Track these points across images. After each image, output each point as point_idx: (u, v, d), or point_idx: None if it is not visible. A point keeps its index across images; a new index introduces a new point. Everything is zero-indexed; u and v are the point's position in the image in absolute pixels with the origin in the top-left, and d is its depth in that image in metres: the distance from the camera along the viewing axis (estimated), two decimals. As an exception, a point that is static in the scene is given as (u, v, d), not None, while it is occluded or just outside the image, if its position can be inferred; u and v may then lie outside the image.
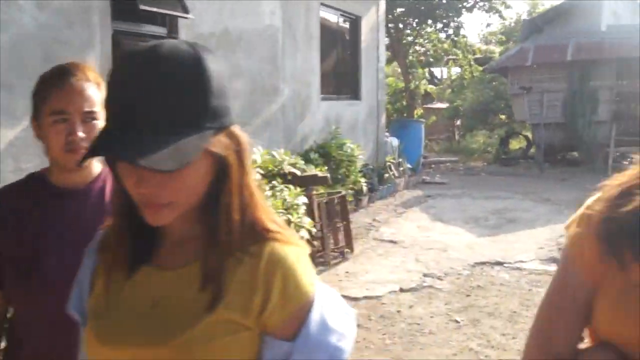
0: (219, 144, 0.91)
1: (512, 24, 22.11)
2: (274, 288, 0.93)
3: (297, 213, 4.25)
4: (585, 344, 1.08)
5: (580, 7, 13.29)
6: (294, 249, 0.97)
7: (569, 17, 13.58)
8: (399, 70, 16.86)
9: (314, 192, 5.87)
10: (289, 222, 4.15)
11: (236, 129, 0.95)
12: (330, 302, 0.98)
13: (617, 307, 0.98)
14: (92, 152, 0.89)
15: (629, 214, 0.97)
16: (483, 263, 5.94)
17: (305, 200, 4.48)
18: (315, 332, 0.93)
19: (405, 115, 15.08)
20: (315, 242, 5.88)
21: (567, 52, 12.65)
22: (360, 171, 8.13)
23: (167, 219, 0.92)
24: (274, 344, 0.94)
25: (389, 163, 10.03)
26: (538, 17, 15.25)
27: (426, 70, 18.36)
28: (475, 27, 67.87)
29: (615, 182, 1.05)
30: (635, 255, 0.96)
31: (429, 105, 19.03)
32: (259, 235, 0.96)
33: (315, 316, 0.94)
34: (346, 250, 6.17)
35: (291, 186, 4.51)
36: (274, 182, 4.54)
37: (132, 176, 0.89)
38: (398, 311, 4.73)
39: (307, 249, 1.01)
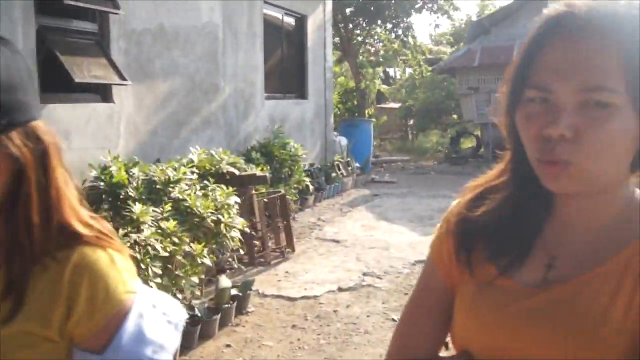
0: (9, 142, 0.83)
1: (463, 25, 22.42)
2: (80, 296, 0.86)
3: (229, 213, 4.15)
4: (447, 351, 1.04)
5: (526, 8, 13.55)
6: (108, 253, 0.90)
7: (516, 18, 13.83)
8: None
9: (254, 192, 5.79)
10: (219, 222, 4.05)
11: (39, 125, 0.88)
12: (152, 309, 0.91)
13: (469, 311, 0.94)
14: None
15: (482, 215, 0.94)
16: (424, 262, 5.93)
17: (238, 199, 4.39)
18: (127, 343, 0.86)
19: (356, 114, 15.10)
20: (256, 242, 5.81)
21: (513, 53, 12.87)
22: (306, 170, 8.06)
23: None
24: (81, 356, 0.87)
25: (337, 162, 10.00)
26: (485, 18, 15.48)
27: (380, 70, 18.44)
28: (427, 28, 68.71)
29: (474, 183, 1.02)
30: (487, 255, 0.93)
31: (383, 105, 19.13)
32: (68, 239, 0.88)
33: (129, 326, 0.87)
34: (287, 250, 6.10)
35: (223, 186, 4.41)
36: (205, 181, 4.44)
37: None
38: (335, 311, 4.68)
39: (126, 252, 0.94)
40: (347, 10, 14.87)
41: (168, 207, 3.71)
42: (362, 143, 11.54)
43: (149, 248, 3.25)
